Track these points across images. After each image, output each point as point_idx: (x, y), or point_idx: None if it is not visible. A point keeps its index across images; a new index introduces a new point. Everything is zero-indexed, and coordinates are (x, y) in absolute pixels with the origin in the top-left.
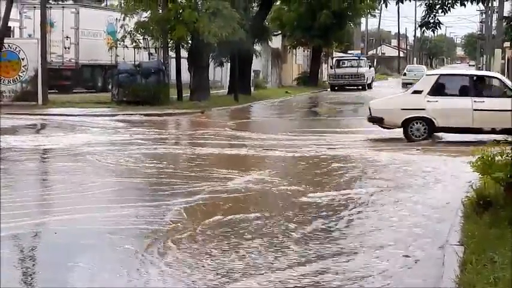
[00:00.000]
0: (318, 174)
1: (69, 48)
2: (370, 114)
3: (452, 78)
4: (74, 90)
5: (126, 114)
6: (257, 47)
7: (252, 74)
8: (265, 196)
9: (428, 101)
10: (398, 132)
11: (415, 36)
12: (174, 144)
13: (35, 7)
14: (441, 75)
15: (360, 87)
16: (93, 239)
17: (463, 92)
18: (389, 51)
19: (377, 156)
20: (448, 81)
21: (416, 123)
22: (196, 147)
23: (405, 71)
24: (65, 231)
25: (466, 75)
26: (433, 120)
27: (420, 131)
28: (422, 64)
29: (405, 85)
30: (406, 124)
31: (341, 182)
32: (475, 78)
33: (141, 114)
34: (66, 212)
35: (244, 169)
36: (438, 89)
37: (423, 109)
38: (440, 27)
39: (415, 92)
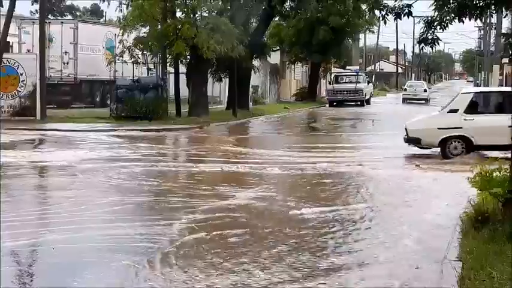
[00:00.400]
0: (320, 191)
1: (68, 63)
2: (407, 135)
3: (487, 96)
4: (73, 106)
5: (125, 129)
6: (256, 63)
7: (251, 89)
8: (269, 215)
9: (464, 120)
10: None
11: (413, 52)
12: (172, 161)
13: (33, 22)
14: (476, 93)
15: (359, 102)
16: (90, 257)
17: (499, 109)
18: (387, 67)
19: (388, 175)
20: (483, 99)
21: (454, 141)
22: (194, 164)
23: (406, 86)
24: (61, 249)
25: (501, 92)
26: (471, 138)
27: (458, 150)
28: (420, 79)
29: (405, 100)
30: (443, 143)
31: (342, 198)
32: (510, 95)
33: (140, 130)
34: (57, 230)
35: (244, 186)
36: (474, 107)
37: (460, 128)
38: (438, 43)
39: (451, 111)
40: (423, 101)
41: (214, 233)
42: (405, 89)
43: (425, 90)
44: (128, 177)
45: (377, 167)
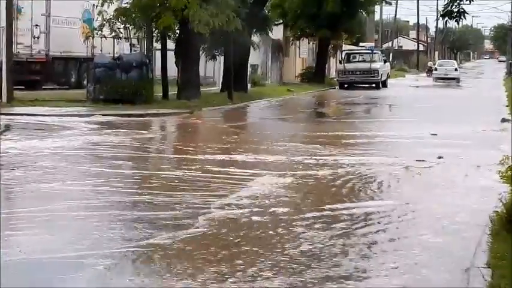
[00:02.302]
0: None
1: (38, 38)
2: None
3: None
4: (44, 87)
5: (104, 114)
6: (255, 38)
7: (249, 69)
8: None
9: None
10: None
11: (436, 27)
12: (155, 152)
13: None
14: None
15: (374, 85)
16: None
17: None
18: (407, 44)
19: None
20: None
21: None
22: (182, 156)
23: (436, 65)
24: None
25: None
26: None
27: None
28: (445, 58)
29: (436, 79)
30: None
31: (358, 194)
32: None
33: (121, 115)
34: None
35: (238, 185)
36: None
37: None
38: (465, 17)
39: None
40: (454, 80)
41: None
42: (436, 69)
43: (456, 70)
44: (106, 173)
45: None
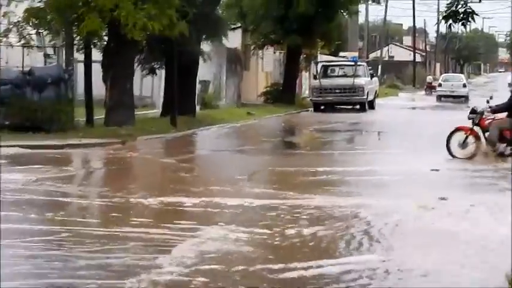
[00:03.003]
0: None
1: None
2: None
3: None
4: None
5: (8, 145)
6: (206, 47)
7: (198, 86)
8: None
9: None
10: None
11: (437, 32)
12: (73, 196)
13: None
14: None
15: (358, 106)
16: None
17: None
18: (400, 53)
19: None
20: None
21: None
22: (108, 202)
23: (440, 81)
24: None
25: None
26: None
27: None
28: (449, 71)
29: (440, 98)
30: None
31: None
32: None
33: (31, 146)
34: None
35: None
36: None
37: None
38: (474, 19)
39: None
40: (462, 99)
41: None
42: (439, 84)
43: (464, 86)
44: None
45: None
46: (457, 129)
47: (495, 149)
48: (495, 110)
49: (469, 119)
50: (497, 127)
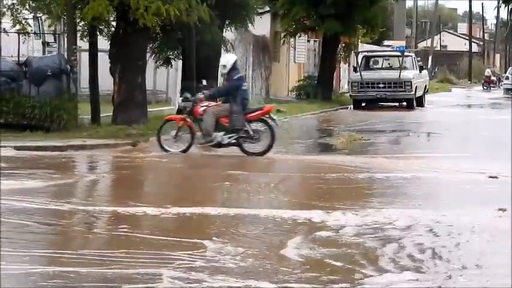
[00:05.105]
0: None
1: None
2: None
3: None
4: None
5: (2, 146)
6: (229, 35)
7: (220, 79)
8: None
9: None
10: None
11: (497, 17)
12: (77, 204)
13: None
14: None
15: (404, 103)
16: None
17: None
18: (454, 42)
19: None
20: None
21: None
22: (116, 211)
23: (508, 74)
24: None
25: None
26: None
27: None
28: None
29: (508, 91)
30: None
31: None
32: None
33: (28, 148)
34: None
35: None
36: None
37: None
38: None
39: None
40: None
41: None
42: (507, 77)
43: None
44: None
45: None
46: (168, 120)
47: (211, 139)
48: (210, 95)
49: (180, 108)
50: (213, 115)
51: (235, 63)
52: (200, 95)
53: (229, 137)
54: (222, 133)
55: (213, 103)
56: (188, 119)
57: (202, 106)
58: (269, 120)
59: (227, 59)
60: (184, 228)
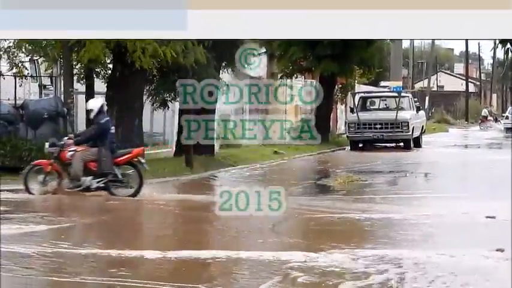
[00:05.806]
0: None
1: None
2: None
3: None
4: None
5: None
6: (225, 76)
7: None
8: None
9: None
10: None
11: (494, 57)
12: (78, 246)
13: None
14: None
15: (402, 144)
16: None
17: None
18: (450, 82)
19: None
20: None
21: None
22: (112, 255)
23: (508, 113)
24: None
25: None
26: None
27: None
28: (507, 104)
29: (508, 130)
30: None
31: None
32: None
33: (22, 191)
34: None
35: None
36: None
37: None
38: None
39: None
40: None
41: None
42: (507, 117)
43: None
44: None
45: None
46: (35, 165)
47: (80, 183)
48: (79, 140)
49: (48, 153)
50: (81, 159)
51: (101, 107)
52: (67, 140)
53: (98, 181)
54: (90, 177)
55: (81, 147)
56: (56, 164)
57: (70, 150)
58: (138, 164)
59: (94, 104)
60: None
